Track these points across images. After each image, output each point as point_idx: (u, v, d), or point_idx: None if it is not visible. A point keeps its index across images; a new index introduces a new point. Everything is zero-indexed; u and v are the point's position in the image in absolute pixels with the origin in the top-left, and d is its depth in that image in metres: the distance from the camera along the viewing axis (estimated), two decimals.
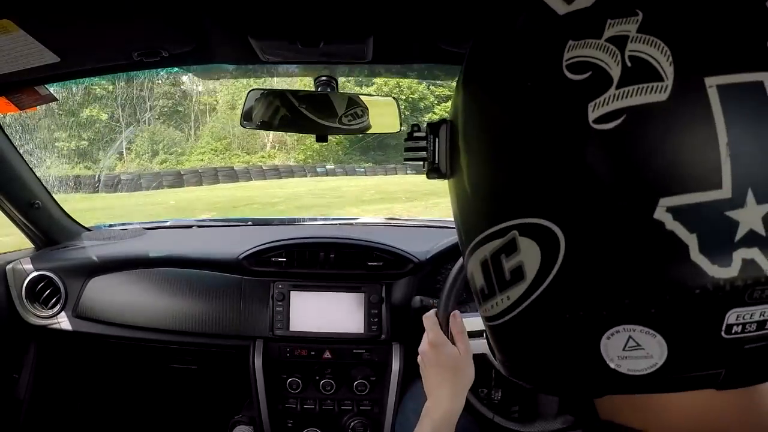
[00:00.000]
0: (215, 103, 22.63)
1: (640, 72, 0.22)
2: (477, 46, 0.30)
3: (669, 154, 0.21)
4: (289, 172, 17.70)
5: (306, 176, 17.43)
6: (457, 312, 0.72)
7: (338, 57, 0.86)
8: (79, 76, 0.87)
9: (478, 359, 0.87)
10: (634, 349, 0.23)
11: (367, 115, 0.99)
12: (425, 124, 0.34)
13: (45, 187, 1.21)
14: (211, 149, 21.10)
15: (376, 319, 1.10)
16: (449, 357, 0.67)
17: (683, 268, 0.21)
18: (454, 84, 0.35)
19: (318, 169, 18.57)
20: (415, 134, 0.35)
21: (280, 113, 0.98)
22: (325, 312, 1.11)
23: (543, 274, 0.25)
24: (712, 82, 0.21)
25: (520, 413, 1.04)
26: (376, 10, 0.69)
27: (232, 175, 16.33)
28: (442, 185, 0.34)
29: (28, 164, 1.15)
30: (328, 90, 0.97)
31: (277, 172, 17.39)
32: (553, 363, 0.27)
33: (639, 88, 0.21)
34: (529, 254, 0.25)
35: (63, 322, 1.16)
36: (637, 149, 0.22)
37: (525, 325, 0.27)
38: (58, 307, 1.16)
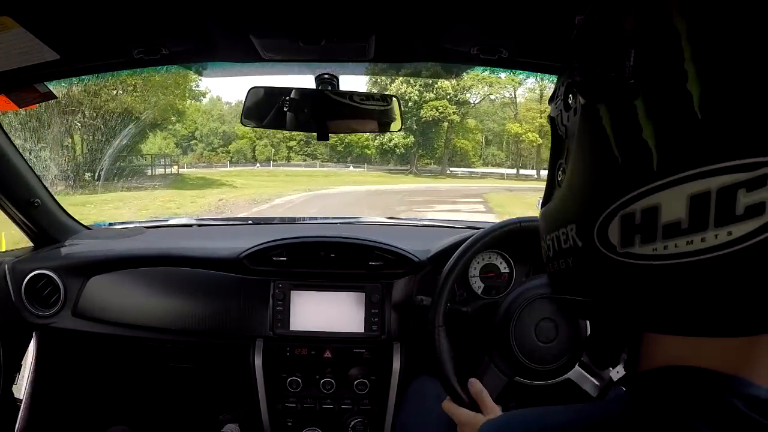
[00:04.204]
0: None
1: None
2: None
3: None
4: None
5: None
6: (472, 379, 0.77)
7: (340, 55, 0.86)
8: (79, 73, 0.87)
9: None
10: None
11: (368, 113, 0.98)
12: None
13: (44, 186, 1.21)
14: None
15: (376, 319, 1.10)
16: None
17: None
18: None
19: None
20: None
21: (281, 111, 0.98)
22: (326, 311, 1.11)
23: None
24: None
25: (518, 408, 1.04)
26: (378, 8, 0.68)
27: None
28: None
29: (27, 162, 1.15)
30: (329, 88, 0.97)
31: None
32: (749, 301, 0.26)
33: None
34: None
35: (62, 321, 1.15)
36: None
37: (737, 262, 0.26)
38: (57, 306, 1.15)
